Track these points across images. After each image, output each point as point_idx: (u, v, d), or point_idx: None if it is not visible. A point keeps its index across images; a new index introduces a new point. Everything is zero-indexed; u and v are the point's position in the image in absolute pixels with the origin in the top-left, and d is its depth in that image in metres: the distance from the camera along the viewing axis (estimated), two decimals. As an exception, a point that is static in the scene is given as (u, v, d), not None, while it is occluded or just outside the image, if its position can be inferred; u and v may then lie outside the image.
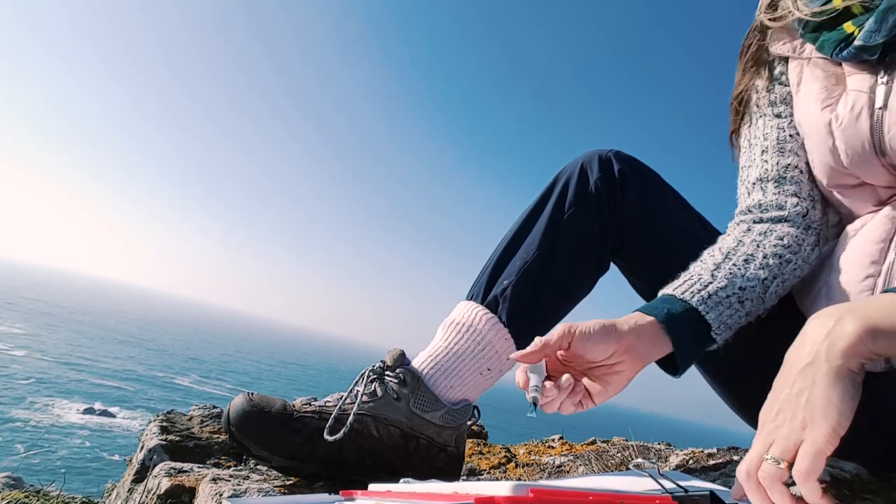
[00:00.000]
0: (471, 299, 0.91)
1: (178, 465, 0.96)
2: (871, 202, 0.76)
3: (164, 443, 1.06)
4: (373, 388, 0.86)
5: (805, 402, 0.45)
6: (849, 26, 0.70)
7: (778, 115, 0.84)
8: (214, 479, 0.81)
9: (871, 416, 0.70)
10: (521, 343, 0.90)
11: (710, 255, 0.77)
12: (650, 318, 0.68)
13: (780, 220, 0.80)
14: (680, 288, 0.73)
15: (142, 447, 1.10)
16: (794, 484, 0.45)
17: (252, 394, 0.83)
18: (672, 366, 0.72)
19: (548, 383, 0.63)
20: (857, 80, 0.71)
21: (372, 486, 0.66)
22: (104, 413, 18.23)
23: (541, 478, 1.17)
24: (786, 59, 0.83)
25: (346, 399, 0.85)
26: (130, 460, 1.17)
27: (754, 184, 0.84)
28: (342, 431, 0.79)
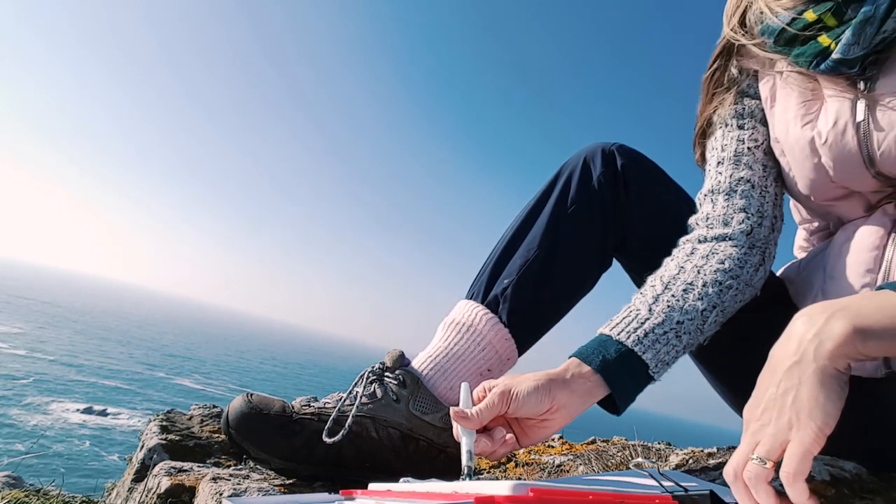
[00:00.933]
0: (471, 298, 0.91)
1: (178, 464, 0.95)
2: (860, 208, 0.76)
3: (164, 442, 1.06)
4: (372, 389, 0.86)
5: (791, 402, 0.45)
6: (824, 39, 0.67)
7: (740, 127, 0.82)
8: (214, 479, 0.81)
9: (871, 416, 0.70)
10: (522, 343, 0.90)
11: (652, 286, 0.76)
12: (586, 368, 0.69)
13: (723, 238, 0.78)
14: (617, 327, 0.72)
15: (142, 446, 1.10)
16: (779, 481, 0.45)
17: (251, 395, 0.83)
18: (612, 406, 0.72)
19: (480, 438, 0.66)
20: (836, 94, 0.70)
21: (372, 486, 0.66)
22: (104, 413, 18.24)
23: (541, 477, 1.17)
24: (755, 74, 0.82)
25: (345, 400, 0.84)
26: (130, 460, 1.16)
27: (706, 195, 0.82)
28: (341, 434, 0.79)
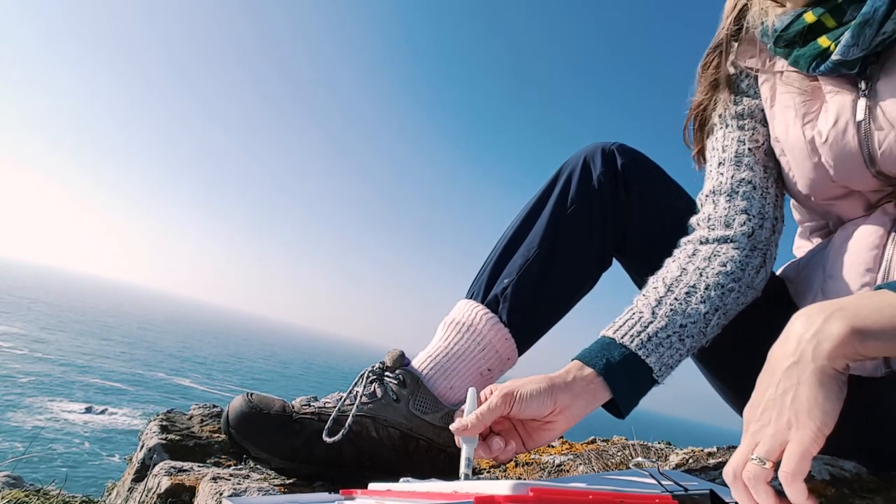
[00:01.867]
0: (471, 298, 0.91)
1: (179, 464, 0.95)
2: (860, 207, 0.75)
3: (164, 442, 1.06)
4: (372, 389, 0.86)
5: (791, 402, 0.45)
6: (823, 41, 0.67)
7: (741, 128, 0.82)
8: (214, 479, 0.81)
9: (870, 416, 0.70)
10: (522, 343, 0.90)
11: (654, 288, 0.76)
12: (589, 371, 0.69)
13: (725, 240, 0.78)
14: (621, 330, 0.72)
15: (142, 446, 1.10)
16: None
17: (251, 395, 0.83)
18: (615, 409, 0.72)
19: (478, 448, 0.67)
20: (836, 93, 0.70)
21: (372, 485, 0.66)
22: (104, 412, 18.24)
23: (541, 477, 1.17)
24: (755, 75, 0.81)
25: (345, 400, 0.84)
26: (130, 459, 1.16)
27: (707, 196, 0.82)
28: (341, 433, 0.79)
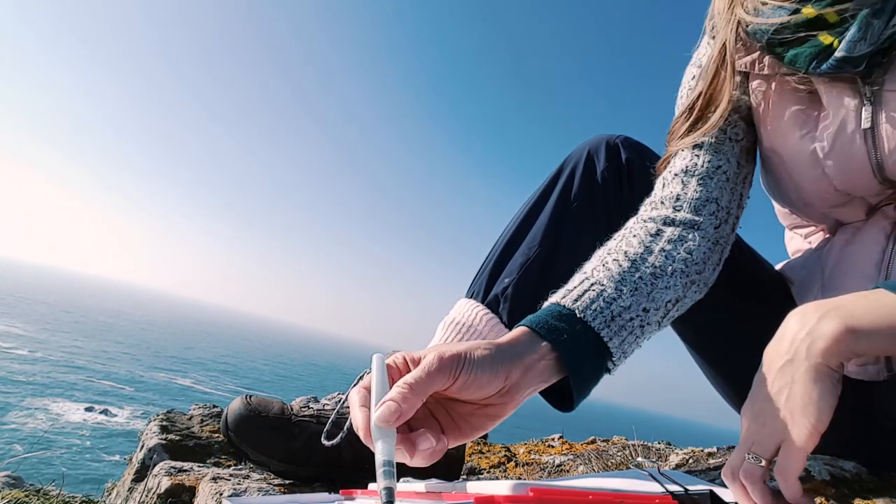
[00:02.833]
0: (471, 297, 0.90)
1: (178, 464, 0.95)
2: (861, 211, 0.74)
3: (164, 442, 1.06)
4: (372, 388, 0.86)
5: (785, 400, 0.45)
6: (825, 37, 0.61)
7: (724, 119, 0.76)
8: (214, 479, 0.81)
9: (871, 418, 0.70)
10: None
11: (614, 259, 0.66)
12: (543, 344, 0.55)
13: (693, 226, 0.71)
14: (581, 300, 0.60)
15: (142, 446, 1.09)
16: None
17: (250, 397, 0.83)
18: (561, 397, 0.60)
19: (398, 448, 0.46)
20: (837, 99, 0.65)
21: (372, 485, 0.66)
22: (104, 412, 18.24)
23: (541, 477, 1.17)
24: (744, 72, 0.75)
25: (344, 402, 0.84)
26: (130, 459, 1.16)
27: (676, 175, 0.75)
28: (339, 436, 0.79)
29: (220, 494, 0.75)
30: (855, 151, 0.65)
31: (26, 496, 1.01)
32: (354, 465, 0.82)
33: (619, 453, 1.23)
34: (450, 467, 0.90)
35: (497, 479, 1.14)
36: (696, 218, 0.72)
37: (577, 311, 0.59)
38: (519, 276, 0.86)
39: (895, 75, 0.61)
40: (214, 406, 1.31)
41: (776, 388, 0.46)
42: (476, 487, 0.50)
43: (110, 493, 1.16)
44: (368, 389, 0.48)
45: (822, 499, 0.59)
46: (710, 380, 0.97)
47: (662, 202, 0.74)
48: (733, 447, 1.07)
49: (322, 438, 0.79)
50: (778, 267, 0.94)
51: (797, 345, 0.46)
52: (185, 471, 0.92)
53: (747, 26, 0.69)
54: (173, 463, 0.96)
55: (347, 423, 0.80)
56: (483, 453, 1.38)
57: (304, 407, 0.85)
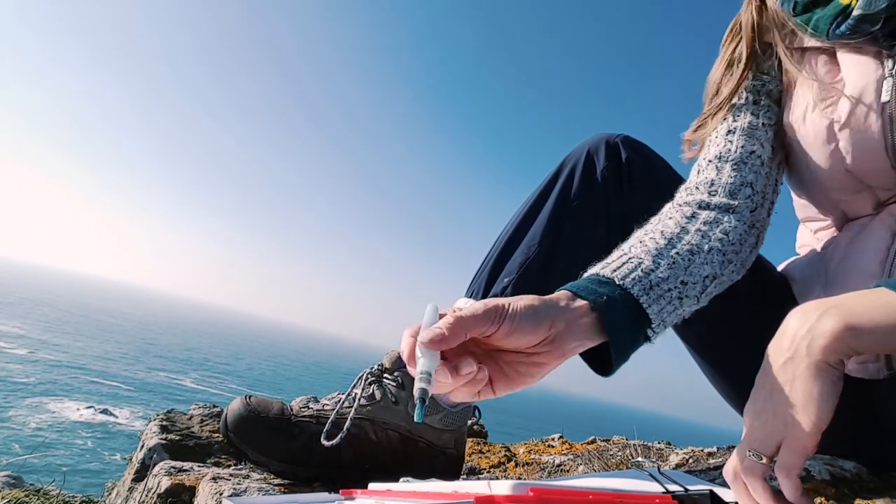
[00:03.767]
0: (470, 297, 0.89)
1: (179, 464, 0.95)
2: (869, 205, 0.74)
3: (164, 442, 1.06)
4: (371, 391, 0.85)
5: (786, 398, 0.45)
6: None
7: (756, 103, 0.78)
8: (214, 479, 0.81)
9: (871, 417, 0.70)
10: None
11: (651, 238, 0.67)
12: (583, 303, 0.55)
13: (728, 209, 0.72)
14: (620, 270, 0.61)
15: (142, 446, 1.09)
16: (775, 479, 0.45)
17: (250, 398, 0.83)
18: (602, 363, 0.61)
19: (441, 367, 0.48)
20: (858, 69, 0.65)
21: (372, 486, 0.66)
22: (104, 412, 18.25)
23: (541, 477, 1.17)
24: (776, 55, 0.77)
25: (343, 402, 0.84)
26: (130, 459, 1.16)
27: (710, 161, 0.76)
28: (339, 436, 0.79)
29: (220, 494, 0.75)
30: (870, 125, 0.65)
31: (26, 496, 1.01)
32: (354, 465, 0.82)
33: (619, 453, 1.23)
34: (450, 467, 0.90)
35: (497, 479, 1.14)
36: (732, 202, 0.73)
37: (616, 279, 0.60)
38: (518, 275, 0.86)
39: None
40: (214, 406, 1.31)
41: (777, 386, 0.46)
42: (476, 487, 0.50)
43: (110, 493, 1.16)
44: (416, 330, 0.50)
45: (822, 499, 0.59)
46: (710, 380, 0.97)
47: (697, 187, 0.75)
48: (733, 447, 1.07)
49: (322, 438, 0.79)
50: (782, 266, 0.94)
51: (797, 342, 0.46)
52: (185, 471, 0.92)
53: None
54: (173, 463, 0.96)
55: (347, 423, 0.80)
56: (483, 453, 1.38)
57: (304, 407, 0.85)
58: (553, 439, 1.60)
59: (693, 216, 0.71)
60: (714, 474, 0.82)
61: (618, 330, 0.57)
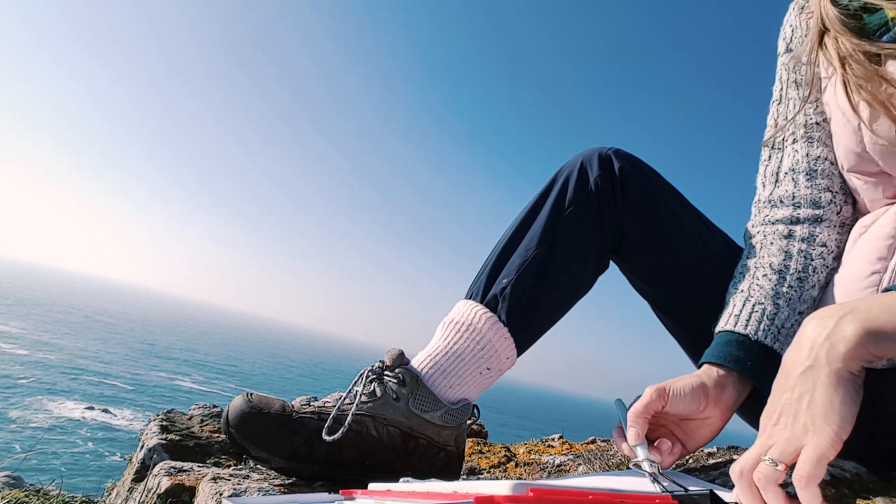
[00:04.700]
0: (470, 298, 0.91)
1: (178, 464, 0.95)
2: (887, 193, 0.74)
3: (164, 442, 1.06)
4: (372, 388, 0.86)
5: (806, 406, 0.45)
6: (891, 11, 0.67)
7: (804, 99, 0.81)
8: (214, 479, 0.81)
9: (871, 414, 0.70)
10: (521, 342, 0.90)
11: (763, 275, 0.76)
12: (734, 373, 0.71)
13: (817, 220, 0.78)
14: (751, 324, 0.72)
15: (142, 446, 1.10)
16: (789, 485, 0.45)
17: (251, 394, 0.83)
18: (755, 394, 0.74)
19: (652, 451, 0.69)
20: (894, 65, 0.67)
21: (372, 485, 0.66)
22: (104, 412, 18.26)
23: (541, 477, 1.17)
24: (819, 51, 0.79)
25: (344, 399, 0.85)
26: (130, 459, 1.17)
27: (786, 173, 0.81)
28: (340, 432, 0.79)
29: (220, 494, 0.75)
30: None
31: (26, 496, 1.01)
32: (355, 463, 0.82)
33: (619, 453, 1.23)
34: (450, 467, 0.90)
35: (497, 479, 1.14)
36: (818, 212, 0.78)
37: (750, 335, 0.72)
38: (516, 277, 0.89)
39: None
40: (214, 406, 1.31)
41: (797, 394, 0.46)
42: (476, 487, 0.50)
43: (110, 493, 1.16)
44: (620, 427, 0.72)
45: (822, 499, 0.59)
46: (674, 336, 0.98)
47: (782, 201, 0.81)
48: (733, 447, 1.07)
49: (323, 433, 0.79)
50: None
51: (817, 350, 0.45)
52: (185, 471, 0.92)
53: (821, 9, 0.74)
54: (173, 463, 0.96)
55: (348, 419, 0.81)
56: (483, 453, 1.38)
57: (305, 405, 0.85)
58: (553, 439, 1.61)
59: (790, 235, 0.79)
60: (714, 474, 0.82)
61: (764, 380, 0.70)
